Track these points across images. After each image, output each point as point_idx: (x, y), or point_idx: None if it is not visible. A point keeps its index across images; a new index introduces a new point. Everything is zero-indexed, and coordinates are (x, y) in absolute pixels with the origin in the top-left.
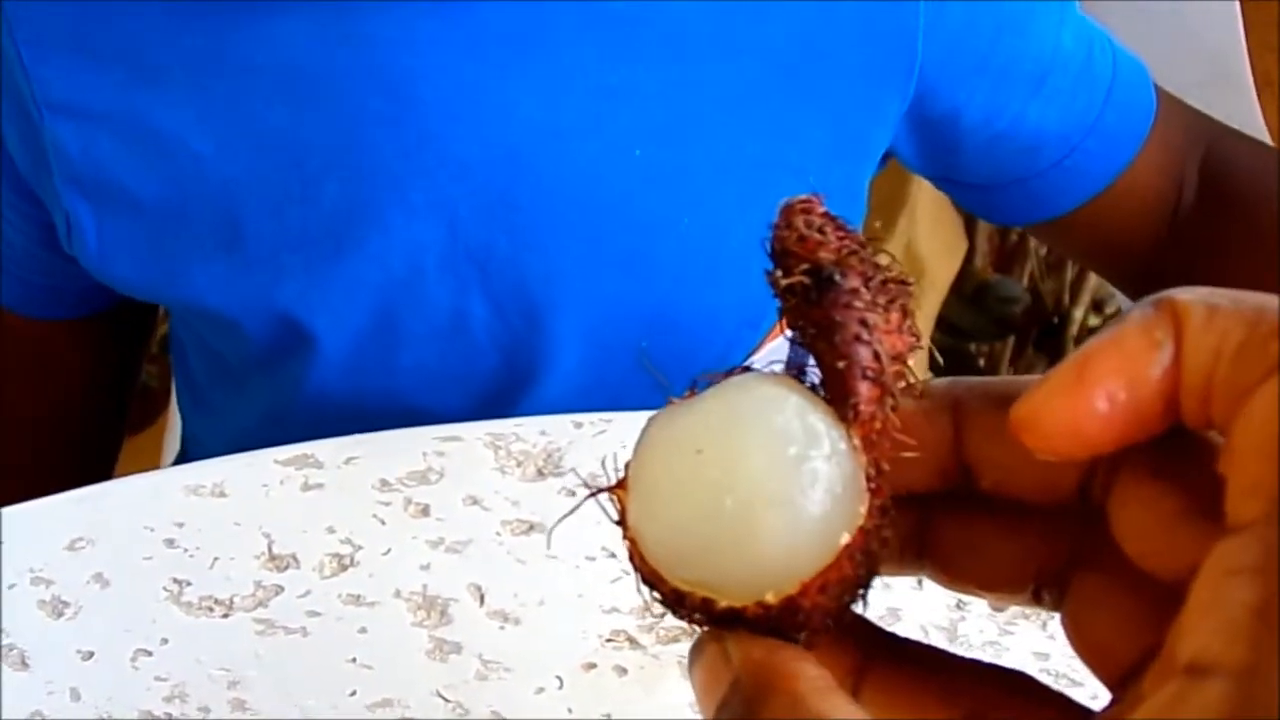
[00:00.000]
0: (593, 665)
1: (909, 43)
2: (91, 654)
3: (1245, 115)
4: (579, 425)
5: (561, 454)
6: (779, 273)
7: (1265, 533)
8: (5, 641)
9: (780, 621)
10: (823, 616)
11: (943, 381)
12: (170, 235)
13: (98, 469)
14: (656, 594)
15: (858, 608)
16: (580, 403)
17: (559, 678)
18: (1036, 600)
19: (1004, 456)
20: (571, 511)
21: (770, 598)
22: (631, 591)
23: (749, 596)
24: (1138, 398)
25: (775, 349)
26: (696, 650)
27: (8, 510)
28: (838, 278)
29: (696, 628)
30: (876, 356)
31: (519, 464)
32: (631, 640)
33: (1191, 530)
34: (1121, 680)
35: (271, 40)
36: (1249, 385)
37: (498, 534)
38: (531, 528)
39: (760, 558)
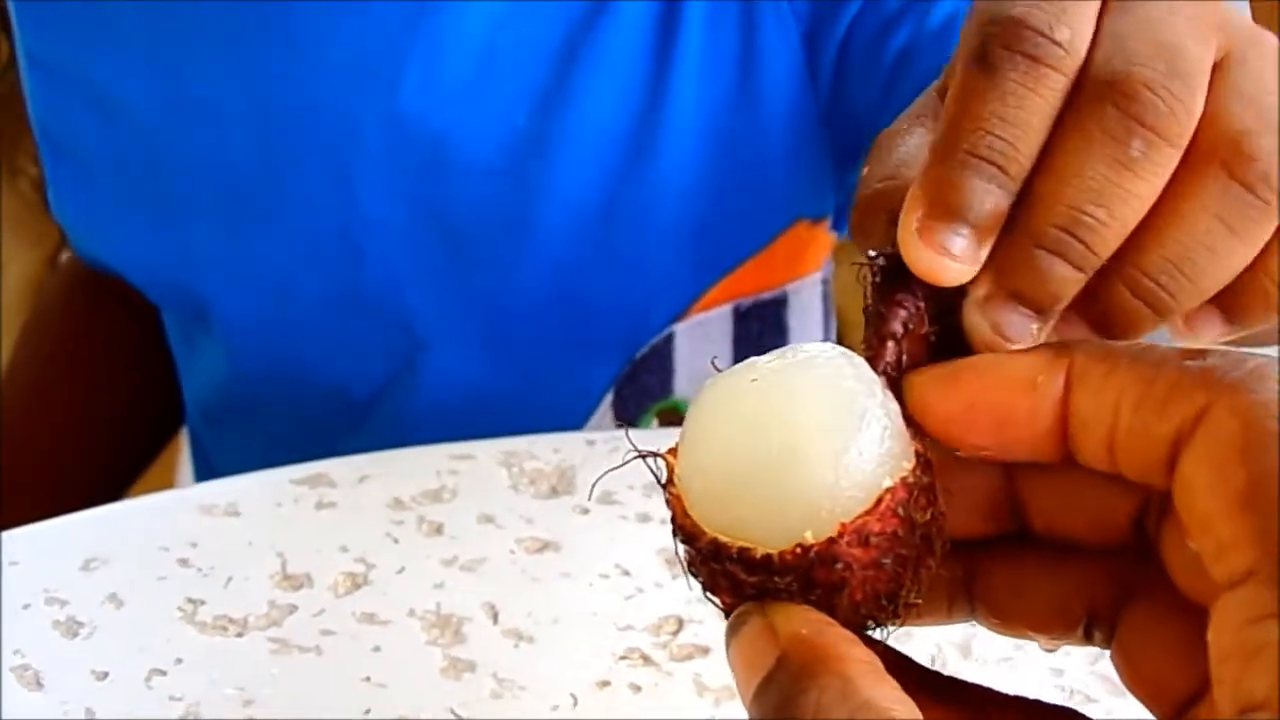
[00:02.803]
0: (606, 683)
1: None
2: (106, 674)
3: None
4: (591, 443)
5: (574, 472)
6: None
7: (1269, 579)
8: (20, 661)
9: (818, 575)
10: (863, 585)
11: None
12: (106, 184)
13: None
14: (693, 550)
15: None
16: (484, 373)
17: (573, 696)
18: (1087, 638)
19: (1057, 497)
20: (618, 467)
21: (809, 537)
22: (645, 609)
23: (787, 545)
24: (1005, 423)
25: (703, 320)
26: (737, 623)
27: (22, 530)
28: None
29: (723, 611)
30: (906, 328)
31: (532, 482)
32: (645, 658)
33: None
34: (1177, 712)
35: (212, 12)
36: (1154, 439)
37: (511, 552)
38: (545, 546)
39: (802, 495)
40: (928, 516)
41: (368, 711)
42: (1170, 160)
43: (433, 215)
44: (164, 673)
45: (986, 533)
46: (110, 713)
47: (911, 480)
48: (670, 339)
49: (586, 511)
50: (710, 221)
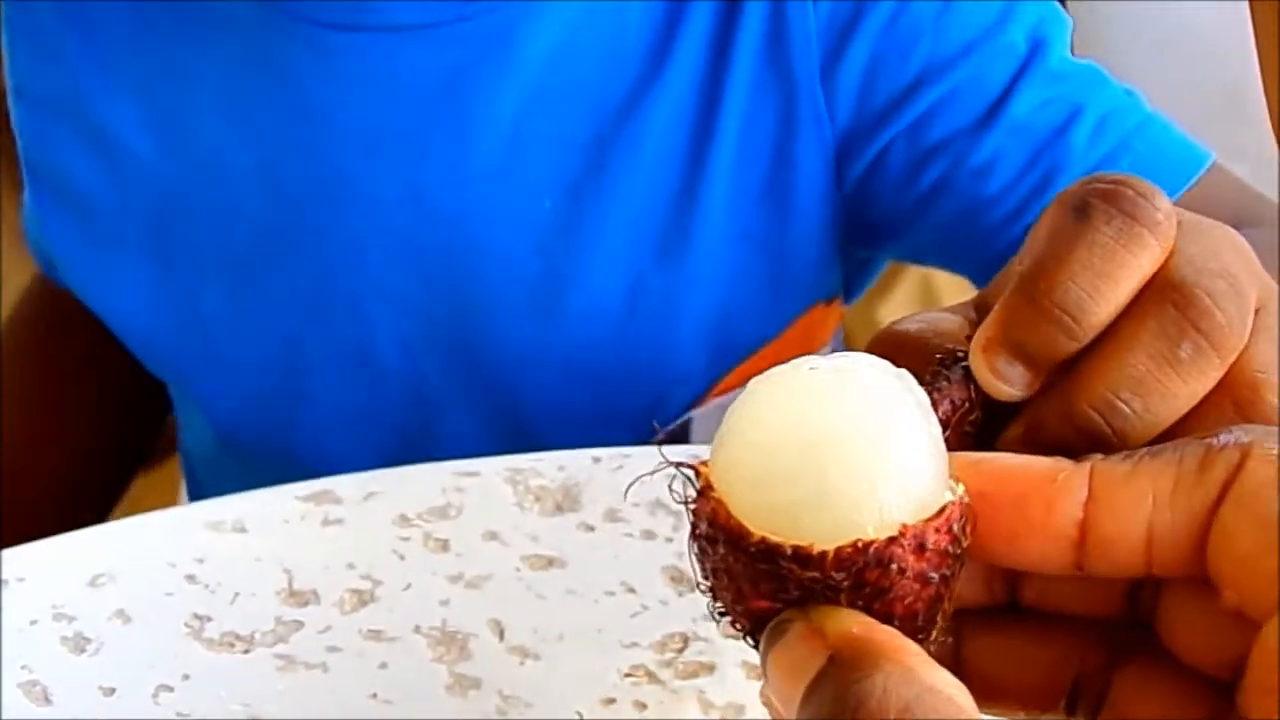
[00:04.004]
0: (612, 700)
1: (811, 84)
2: (113, 690)
3: (1257, 148)
4: (597, 460)
5: (580, 489)
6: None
7: None
8: (28, 677)
9: (869, 576)
10: (904, 598)
11: None
12: (103, 231)
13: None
14: (738, 552)
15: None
16: (497, 447)
17: (578, 713)
18: (1069, 712)
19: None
20: (649, 474)
21: (871, 532)
22: (651, 626)
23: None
24: (1020, 519)
25: (720, 405)
26: (777, 630)
27: (29, 546)
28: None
29: (746, 639)
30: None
31: (537, 499)
32: (650, 675)
33: (1243, 625)
34: None
35: (214, 58)
36: (1194, 513)
37: (517, 569)
38: (550, 563)
39: (861, 507)
40: (965, 545)
41: None
42: (1214, 371)
43: (450, 292)
44: (171, 689)
45: (979, 601)
46: None
47: (965, 503)
48: (687, 425)
49: (592, 529)
50: (732, 312)
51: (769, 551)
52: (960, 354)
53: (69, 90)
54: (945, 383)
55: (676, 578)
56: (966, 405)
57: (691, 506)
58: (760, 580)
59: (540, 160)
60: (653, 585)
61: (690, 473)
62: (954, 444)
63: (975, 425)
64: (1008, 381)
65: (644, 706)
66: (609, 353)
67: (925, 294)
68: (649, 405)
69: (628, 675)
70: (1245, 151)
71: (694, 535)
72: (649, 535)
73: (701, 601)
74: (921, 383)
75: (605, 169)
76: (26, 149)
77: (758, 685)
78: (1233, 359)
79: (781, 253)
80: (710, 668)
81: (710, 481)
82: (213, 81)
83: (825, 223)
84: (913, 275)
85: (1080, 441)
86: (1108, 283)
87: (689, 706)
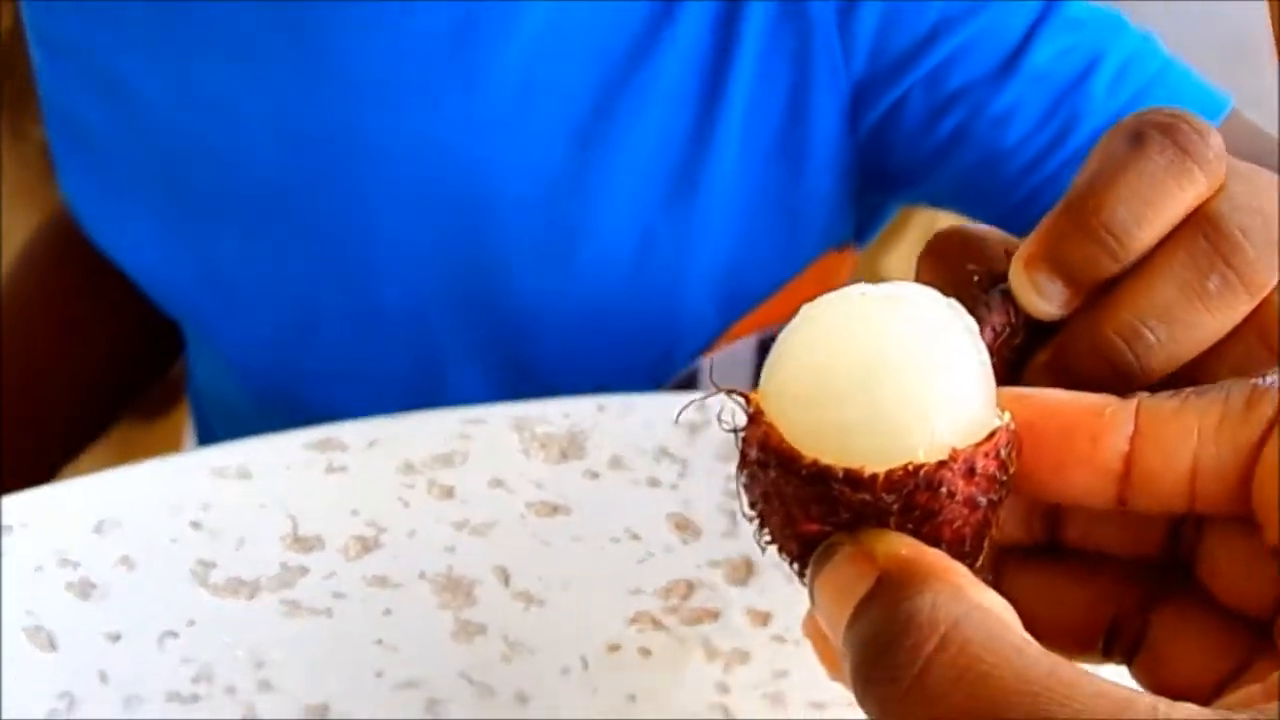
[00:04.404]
0: (617, 647)
1: (828, 32)
2: (119, 635)
3: (1263, 97)
4: (602, 408)
5: (585, 436)
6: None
7: None
8: (33, 623)
9: (919, 498)
10: (953, 522)
11: None
12: (117, 177)
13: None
14: (790, 475)
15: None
16: (506, 398)
17: (583, 659)
18: (1106, 654)
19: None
20: (696, 400)
21: (922, 455)
22: (656, 573)
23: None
24: (1066, 452)
25: (729, 352)
26: (826, 553)
27: (33, 493)
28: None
29: (793, 566)
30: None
31: (543, 446)
32: (655, 622)
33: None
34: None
35: (224, 8)
36: (1239, 449)
37: (522, 516)
38: (556, 510)
39: (914, 428)
40: (1011, 472)
41: (379, 674)
42: (1242, 305)
43: (461, 243)
44: (176, 635)
45: (1019, 540)
46: (122, 674)
47: (1011, 430)
48: (695, 373)
49: (597, 476)
50: (743, 261)
51: (820, 474)
52: (1000, 276)
53: (84, 38)
54: (985, 309)
55: (681, 525)
56: (1008, 330)
57: (742, 434)
58: (811, 503)
59: (550, 108)
60: (657, 532)
61: (741, 400)
62: (995, 369)
63: (1015, 351)
64: (1046, 298)
65: (649, 653)
66: (619, 302)
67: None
68: (659, 354)
69: (633, 622)
70: (1246, 103)
71: (743, 463)
72: (654, 483)
73: (705, 548)
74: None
75: (615, 117)
76: (49, 94)
77: (762, 632)
78: (1262, 296)
79: (794, 205)
80: (715, 614)
81: (761, 408)
82: (223, 32)
83: (839, 173)
84: (920, 225)
85: (1104, 370)
86: (1153, 210)
87: (694, 653)
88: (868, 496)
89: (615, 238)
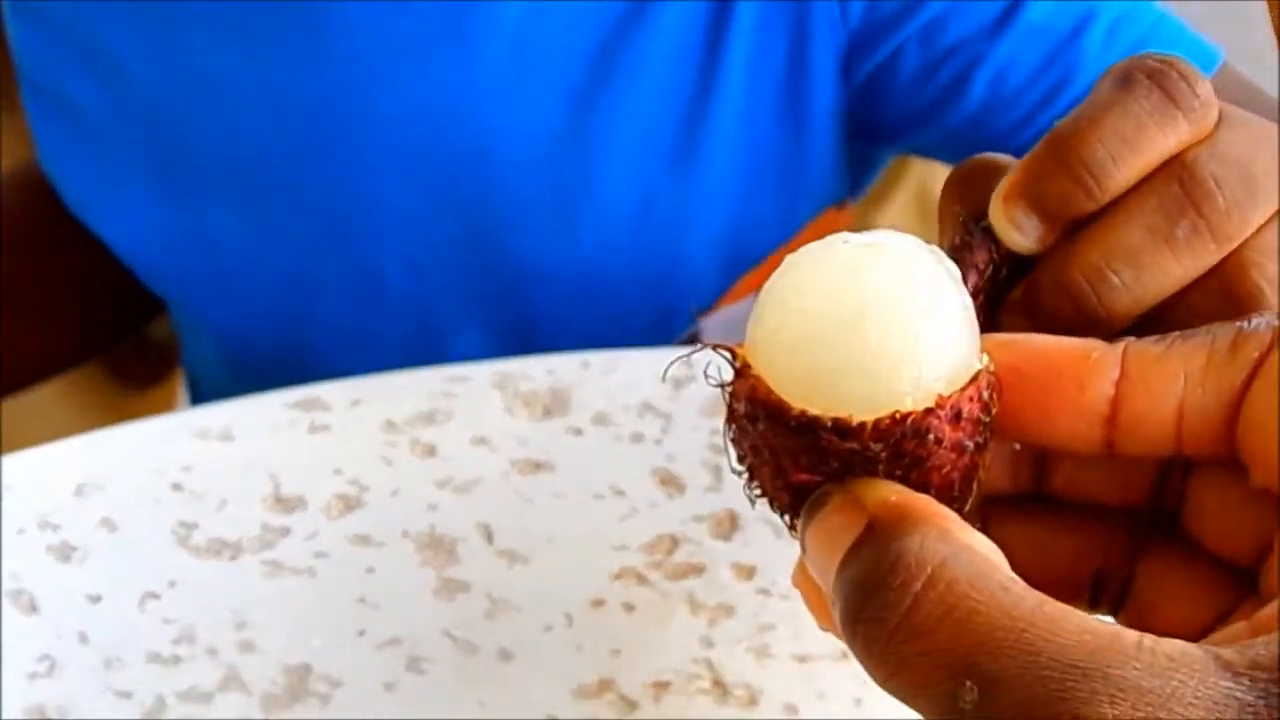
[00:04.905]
0: (601, 602)
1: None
2: (100, 597)
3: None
4: (586, 365)
5: (569, 393)
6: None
7: None
8: (15, 586)
9: (907, 446)
10: (941, 467)
11: None
12: (106, 149)
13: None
14: (778, 426)
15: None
16: None
17: (567, 615)
18: (1094, 604)
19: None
20: (683, 357)
21: (909, 404)
22: (640, 529)
23: (881, 413)
24: (1052, 396)
25: (728, 313)
26: (817, 503)
27: (14, 456)
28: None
29: (783, 517)
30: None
31: (526, 404)
32: (639, 577)
33: (1271, 505)
34: None
35: None
36: (1224, 392)
37: (505, 473)
38: (539, 466)
39: (901, 373)
40: (994, 413)
41: (361, 633)
42: (1209, 255)
43: (460, 209)
44: (157, 596)
45: (1005, 489)
46: (104, 636)
47: (993, 370)
48: (697, 335)
49: (580, 432)
50: (745, 222)
51: (809, 424)
52: (984, 214)
53: (66, 12)
54: (968, 249)
55: (666, 480)
56: (991, 268)
57: (729, 389)
58: (800, 453)
59: (547, 69)
60: (642, 488)
61: (727, 354)
62: (980, 308)
63: (999, 287)
64: (1021, 231)
65: (632, 608)
66: (621, 264)
67: (923, 202)
68: (660, 317)
69: (617, 577)
70: (1244, 54)
71: (730, 417)
72: (638, 438)
73: (690, 503)
74: (948, 247)
75: (614, 76)
76: (27, 68)
77: (747, 586)
78: (1230, 247)
79: (796, 162)
80: (699, 569)
81: (748, 361)
82: (211, 1)
83: (838, 126)
84: (911, 182)
85: (1069, 310)
86: (1132, 150)
87: (678, 608)
88: (855, 445)
89: (617, 199)
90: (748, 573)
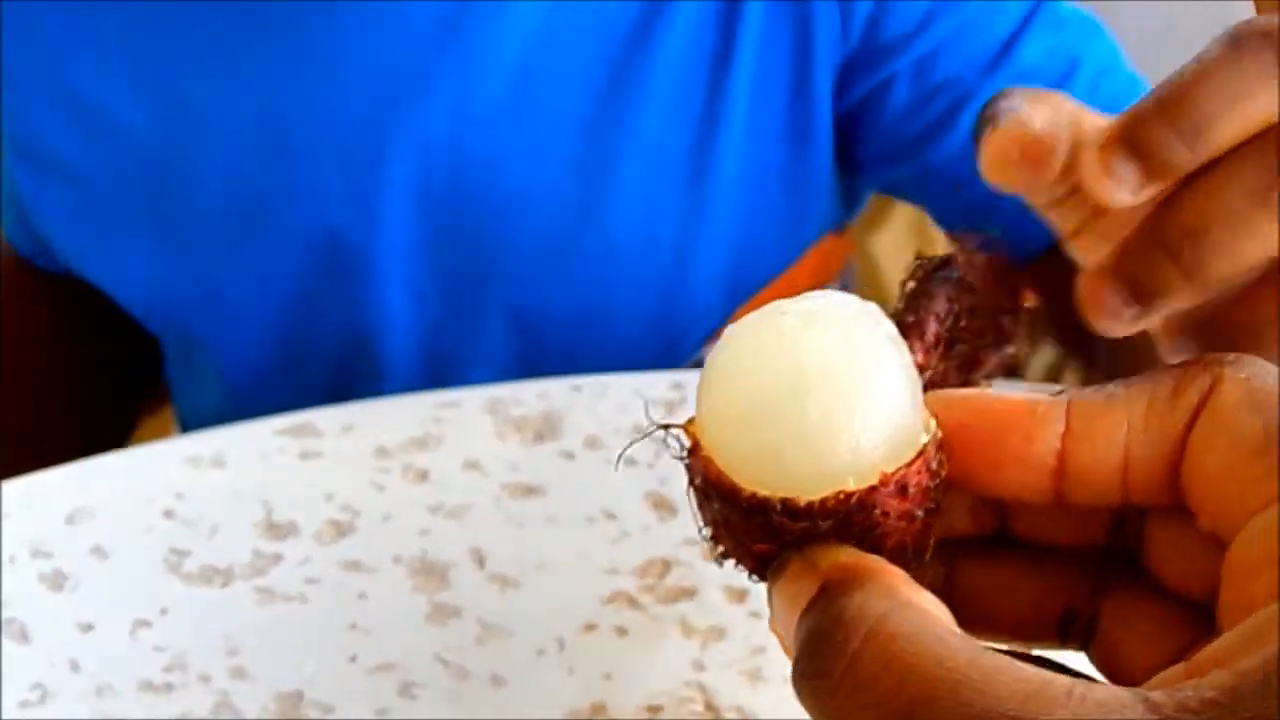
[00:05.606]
0: (593, 626)
1: (830, 10)
2: (91, 626)
3: None
4: (578, 389)
5: (560, 417)
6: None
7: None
8: (7, 615)
9: (856, 520)
10: (894, 534)
11: None
12: (101, 207)
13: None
14: (731, 508)
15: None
16: None
17: (559, 639)
18: (1062, 640)
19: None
20: (638, 440)
21: (852, 483)
22: (631, 552)
23: (828, 492)
24: (999, 451)
25: None
26: (778, 568)
27: (7, 484)
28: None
29: (752, 578)
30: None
31: (517, 429)
32: (631, 601)
33: (1220, 547)
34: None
35: (203, 15)
36: (1167, 436)
37: (496, 498)
38: (530, 491)
39: (842, 446)
40: (944, 475)
41: (353, 659)
42: None
43: (463, 240)
44: (149, 624)
45: (969, 532)
46: (95, 664)
47: (940, 437)
48: (703, 362)
49: (572, 456)
50: (750, 243)
51: (759, 505)
52: (941, 263)
53: (56, 72)
54: (927, 299)
55: (658, 504)
56: (950, 319)
57: (686, 463)
58: (756, 530)
59: (550, 98)
60: (634, 511)
61: (678, 433)
62: (939, 358)
63: (962, 336)
64: (1118, 179)
65: (625, 632)
66: (627, 292)
67: (919, 227)
68: (666, 346)
69: (609, 601)
70: None
71: (690, 487)
72: (629, 462)
73: (682, 526)
74: (904, 295)
75: (618, 105)
76: (17, 134)
77: (739, 609)
78: None
79: (801, 182)
80: (691, 592)
81: (698, 439)
82: (203, 40)
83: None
84: (907, 206)
85: (1157, 279)
86: (1237, 110)
87: (670, 631)
88: (806, 524)
89: (625, 227)
90: (740, 596)
